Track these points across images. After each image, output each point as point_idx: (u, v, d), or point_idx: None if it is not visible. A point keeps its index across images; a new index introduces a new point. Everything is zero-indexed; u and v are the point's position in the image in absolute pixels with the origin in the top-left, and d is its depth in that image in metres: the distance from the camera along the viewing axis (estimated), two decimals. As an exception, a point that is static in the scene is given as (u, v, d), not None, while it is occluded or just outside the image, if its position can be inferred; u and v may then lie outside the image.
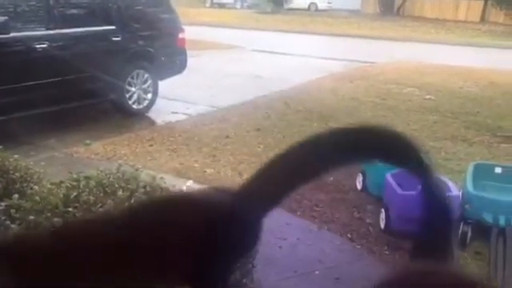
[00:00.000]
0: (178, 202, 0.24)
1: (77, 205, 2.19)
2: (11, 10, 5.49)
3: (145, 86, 6.83)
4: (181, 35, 7.26)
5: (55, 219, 2.07)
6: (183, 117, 6.75)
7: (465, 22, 21.43)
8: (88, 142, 5.44)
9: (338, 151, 0.23)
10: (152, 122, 6.69)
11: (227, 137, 5.84)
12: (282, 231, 3.68)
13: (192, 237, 0.23)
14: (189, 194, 0.25)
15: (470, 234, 3.59)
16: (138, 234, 0.23)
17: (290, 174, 0.23)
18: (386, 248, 3.50)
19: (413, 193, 3.59)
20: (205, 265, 0.22)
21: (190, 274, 0.23)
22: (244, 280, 2.28)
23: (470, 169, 4.05)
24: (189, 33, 7.69)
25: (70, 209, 2.18)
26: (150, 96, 6.89)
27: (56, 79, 5.68)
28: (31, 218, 2.08)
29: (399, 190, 3.62)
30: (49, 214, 2.13)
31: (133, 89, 6.67)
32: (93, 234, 0.24)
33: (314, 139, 0.23)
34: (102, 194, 2.33)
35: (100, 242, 0.23)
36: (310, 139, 0.23)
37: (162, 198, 0.25)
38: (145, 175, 3.40)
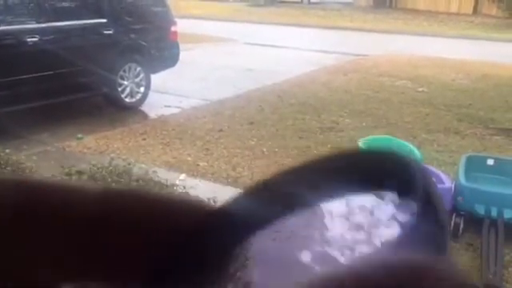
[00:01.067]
0: (155, 200, 0.22)
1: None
2: (1, 3, 5.43)
3: (137, 79, 6.79)
4: (173, 28, 7.22)
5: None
6: (176, 110, 6.73)
7: (457, 14, 21.45)
8: (80, 136, 5.42)
9: (337, 180, 0.21)
10: (145, 116, 6.66)
11: (220, 130, 5.83)
12: (276, 224, 3.68)
13: (159, 242, 0.22)
14: (167, 196, 0.23)
15: (462, 226, 3.62)
16: (106, 219, 0.21)
17: (278, 201, 0.22)
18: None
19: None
20: (163, 275, 0.21)
21: (143, 279, 0.21)
22: (238, 273, 2.28)
23: (463, 161, 4.08)
24: (181, 26, 7.65)
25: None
26: (142, 89, 6.86)
27: (47, 73, 5.63)
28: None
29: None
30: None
31: (125, 82, 6.63)
32: (59, 200, 0.21)
33: (310, 164, 0.21)
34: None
35: (63, 212, 0.21)
36: (306, 164, 0.21)
37: (140, 191, 0.23)
38: (137, 169, 3.39)
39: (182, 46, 7.50)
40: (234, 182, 4.40)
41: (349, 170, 0.21)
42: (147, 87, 6.91)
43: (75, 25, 6.09)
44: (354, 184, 0.21)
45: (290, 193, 0.21)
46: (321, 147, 5.29)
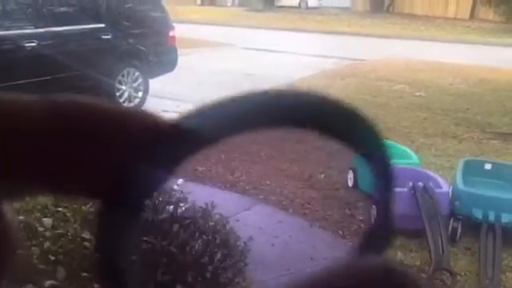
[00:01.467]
0: (104, 111, 0.21)
1: (67, 204, 2.18)
2: (-1, 8, 5.44)
3: (135, 84, 6.80)
4: (171, 33, 7.24)
5: (45, 219, 2.06)
6: (174, 115, 6.70)
7: (454, 19, 21.54)
8: (78, 140, 5.42)
9: (280, 111, 0.23)
10: (143, 121, 6.66)
11: (218, 135, 5.83)
12: (274, 229, 3.69)
13: (115, 150, 0.21)
14: (115, 107, 0.22)
15: (460, 230, 3.62)
16: (57, 129, 0.20)
17: (230, 120, 0.22)
18: (377, 245, 3.52)
19: (404, 189, 3.62)
20: (122, 183, 0.21)
21: (103, 188, 0.21)
22: (236, 279, 2.28)
23: (460, 165, 4.09)
24: (179, 31, 7.66)
25: (60, 208, 2.17)
26: (140, 94, 6.86)
27: (46, 78, 5.64)
28: (21, 218, 2.06)
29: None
30: (38, 214, 2.12)
31: (123, 87, 6.64)
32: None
33: (263, 93, 0.23)
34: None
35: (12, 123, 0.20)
36: (259, 93, 0.23)
37: (89, 103, 0.22)
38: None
39: (179, 51, 7.51)
40: (232, 187, 4.41)
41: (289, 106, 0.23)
42: (145, 92, 6.92)
43: (73, 30, 6.09)
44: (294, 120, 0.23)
45: (235, 116, 0.23)
46: (318, 151, 5.29)
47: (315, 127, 0.24)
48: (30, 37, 5.58)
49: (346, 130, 0.24)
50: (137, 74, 6.80)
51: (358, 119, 0.23)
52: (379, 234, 0.24)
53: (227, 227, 2.49)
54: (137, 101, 6.83)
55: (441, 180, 3.90)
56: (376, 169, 0.24)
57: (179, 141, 0.22)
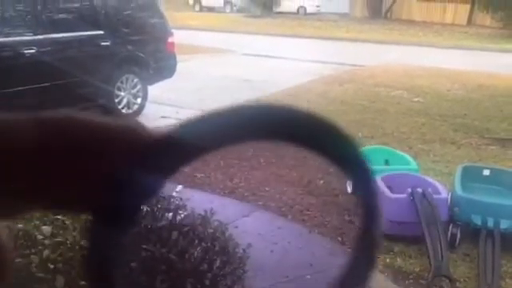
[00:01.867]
0: (93, 125, 0.21)
1: (66, 212, 2.17)
2: (-2, 15, 5.46)
3: (134, 90, 6.81)
4: (170, 39, 7.26)
5: (44, 227, 2.06)
6: (173, 121, 6.73)
7: (452, 24, 21.62)
8: (77, 147, 5.41)
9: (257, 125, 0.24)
10: (142, 127, 6.66)
11: (217, 141, 5.83)
12: (273, 235, 3.68)
13: (105, 163, 0.21)
14: (106, 121, 0.22)
15: (459, 236, 3.62)
16: (46, 145, 0.21)
17: (213, 133, 0.22)
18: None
19: (403, 196, 3.62)
20: (112, 195, 0.21)
21: (94, 203, 0.21)
22: (235, 286, 2.28)
23: (459, 171, 4.09)
24: (178, 37, 7.68)
25: (59, 216, 2.17)
26: (139, 101, 6.87)
27: (45, 84, 5.64)
28: (20, 226, 2.06)
29: (389, 194, 3.64)
30: (37, 222, 2.12)
31: (122, 93, 6.65)
32: None
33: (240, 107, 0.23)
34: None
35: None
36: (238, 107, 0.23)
37: (76, 116, 0.22)
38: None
39: (178, 57, 7.52)
40: (231, 193, 4.41)
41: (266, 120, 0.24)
42: (144, 98, 6.93)
43: (72, 36, 6.11)
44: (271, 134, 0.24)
45: (223, 128, 0.23)
46: (317, 157, 5.30)
47: (292, 140, 0.25)
48: (29, 43, 5.58)
49: (322, 143, 0.25)
50: (136, 80, 6.81)
51: (334, 131, 0.24)
52: (367, 251, 0.24)
53: (226, 234, 2.49)
54: (136, 107, 6.83)
55: (439, 186, 3.90)
56: (357, 182, 0.25)
57: (168, 152, 0.22)
